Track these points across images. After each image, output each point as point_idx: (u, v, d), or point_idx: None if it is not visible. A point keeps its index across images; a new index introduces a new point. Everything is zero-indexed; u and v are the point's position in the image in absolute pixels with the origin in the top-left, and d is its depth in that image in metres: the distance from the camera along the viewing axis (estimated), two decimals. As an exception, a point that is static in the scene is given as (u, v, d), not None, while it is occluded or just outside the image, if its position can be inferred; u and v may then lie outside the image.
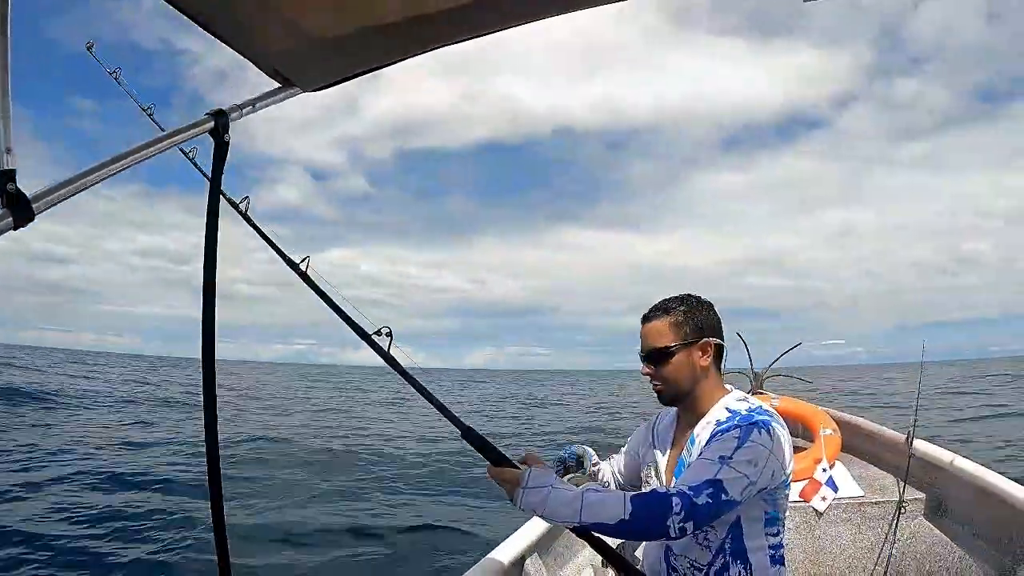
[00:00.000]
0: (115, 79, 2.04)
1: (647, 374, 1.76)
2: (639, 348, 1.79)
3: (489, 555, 2.57)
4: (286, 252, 1.81)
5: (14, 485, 7.40)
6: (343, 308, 1.72)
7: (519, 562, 2.65)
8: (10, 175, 0.90)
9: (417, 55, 1.25)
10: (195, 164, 1.79)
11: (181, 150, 1.80)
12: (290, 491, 8.20)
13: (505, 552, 2.61)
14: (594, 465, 2.02)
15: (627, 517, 1.42)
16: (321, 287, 1.74)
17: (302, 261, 1.77)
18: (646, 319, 1.79)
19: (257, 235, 1.83)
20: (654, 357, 1.73)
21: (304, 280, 1.75)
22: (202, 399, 1.40)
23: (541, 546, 2.81)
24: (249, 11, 1.14)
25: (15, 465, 8.55)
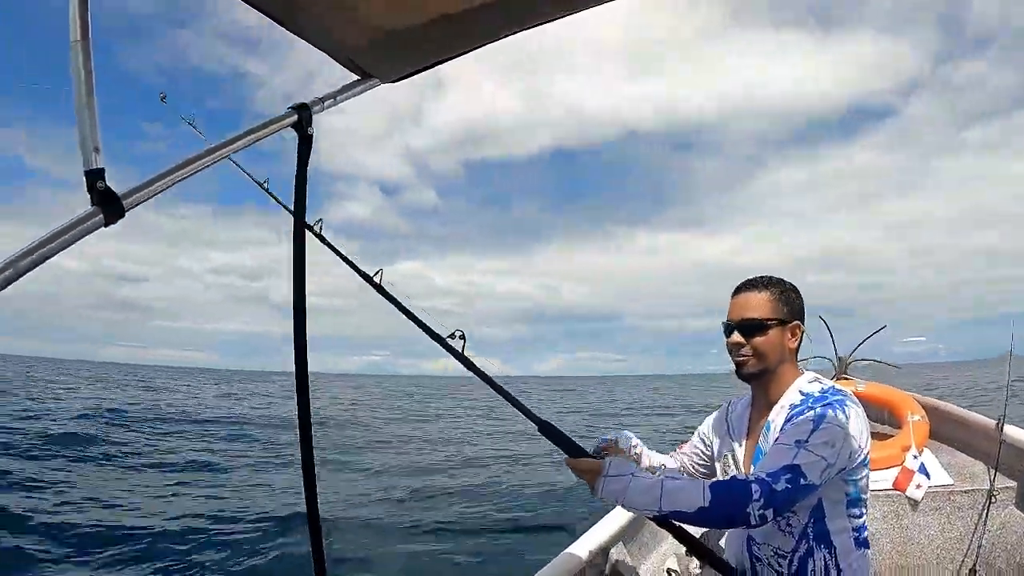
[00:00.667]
0: (191, 125, 2.18)
1: (736, 343, 1.73)
2: (726, 318, 1.77)
3: (574, 544, 2.61)
4: (359, 265, 1.88)
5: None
6: (417, 315, 1.78)
7: (604, 551, 2.68)
8: (99, 173, 0.92)
9: (488, 43, 1.27)
10: (271, 193, 1.93)
11: (264, 188, 1.96)
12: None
13: (590, 541, 2.64)
14: (634, 446, 1.97)
15: (707, 504, 1.42)
16: (395, 297, 1.81)
17: (375, 273, 1.84)
18: (742, 289, 1.77)
19: (330, 251, 1.89)
20: (749, 328, 1.71)
21: (379, 291, 1.82)
22: (297, 414, 1.45)
23: (626, 535, 2.84)
24: (324, 6, 1.17)
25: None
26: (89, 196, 0.92)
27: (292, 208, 1.41)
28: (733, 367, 1.78)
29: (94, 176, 0.92)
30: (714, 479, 1.61)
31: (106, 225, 0.93)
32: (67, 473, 9.22)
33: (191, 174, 1.07)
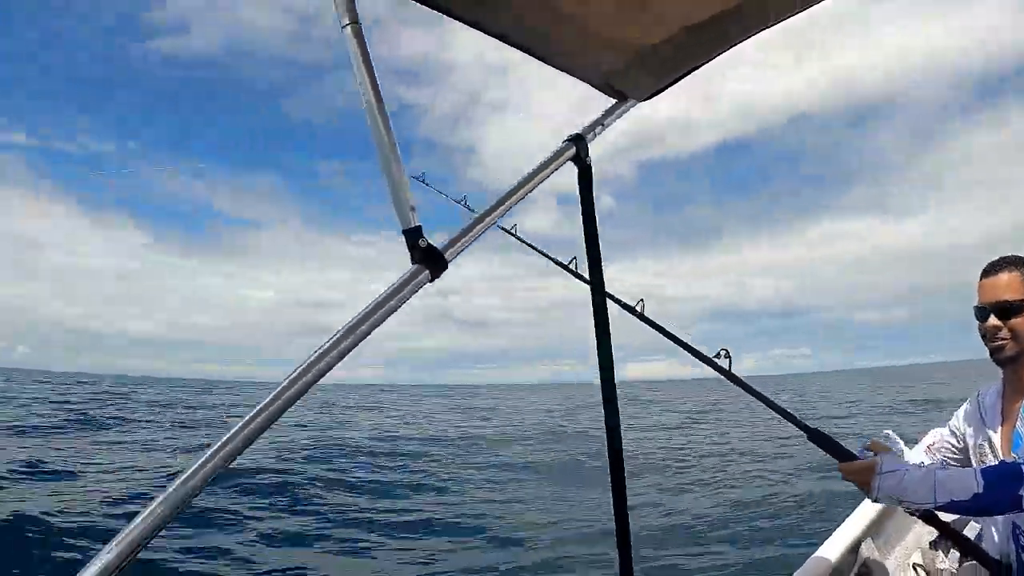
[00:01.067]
0: (422, 182, 2.49)
1: (993, 327, 1.69)
2: (977, 302, 1.73)
3: (827, 541, 2.66)
4: (621, 299, 1.96)
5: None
6: (683, 339, 1.87)
7: (855, 547, 2.69)
8: (418, 232, 0.95)
9: (729, 48, 1.28)
10: (527, 243, 2.23)
11: (534, 247, 2.18)
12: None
13: (842, 538, 2.67)
14: (897, 443, 1.90)
15: (980, 491, 1.41)
16: (662, 326, 1.92)
17: (637, 303, 1.94)
18: (992, 271, 1.73)
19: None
20: (1005, 310, 1.66)
21: (644, 321, 1.94)
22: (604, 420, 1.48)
23: (873, 529, 2.82)
24: (581, 37, 1.21)
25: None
26: (410, 254, 0.94)
27: (584, 231, 1.40)
28: (987, 354, 1.74)
29: (414, 235, 0.95)
30: (983, 466, 1.59)
31: (431, 280, 0.95)
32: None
33: (496, 220, 1.11)
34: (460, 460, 13.71)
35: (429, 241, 0.95)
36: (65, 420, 17.92)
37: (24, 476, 9.33)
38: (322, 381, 0.86)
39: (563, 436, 18.50)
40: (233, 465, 0.80)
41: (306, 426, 19.33)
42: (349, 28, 0.99)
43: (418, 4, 1.05)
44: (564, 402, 43.48)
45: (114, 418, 19.73)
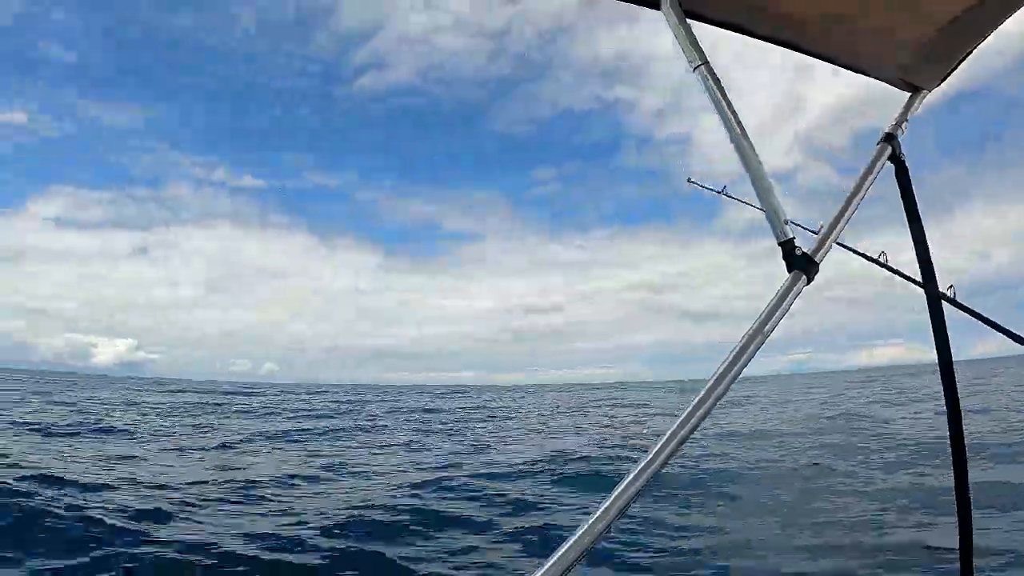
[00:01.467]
0: (724, 194, 2.56)
1: None
2: None
3: None
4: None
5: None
6: (999, 324, 1.71)
7: None
8: (792, 242, 1.04)
9: (1011, 16, 1.23)
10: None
11: None
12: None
13: None
14: None
15: None
16: (975, 311, 1.74)
17: (948, 288, 1.74)
18: None
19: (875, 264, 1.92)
20: None
21: (956, 306, 1.74)
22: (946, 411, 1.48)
23: None
24: (877, 37, 1.25)
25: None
26: (786, 263, 1.03)
27: (911, 232, 1.46)
28: None
29: (789, 245, 1.04)
30: None
31: (808, 283, 1.03)
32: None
33: (850, 217, 1.16)
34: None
35: (803, 249, 1.03)
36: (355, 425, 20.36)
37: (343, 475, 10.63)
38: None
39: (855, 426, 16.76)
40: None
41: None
42: (700, 69, 1.07)
43: (695, 20, 1.12)
44: (822, 392, 37.81)
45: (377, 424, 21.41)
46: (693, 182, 2.73)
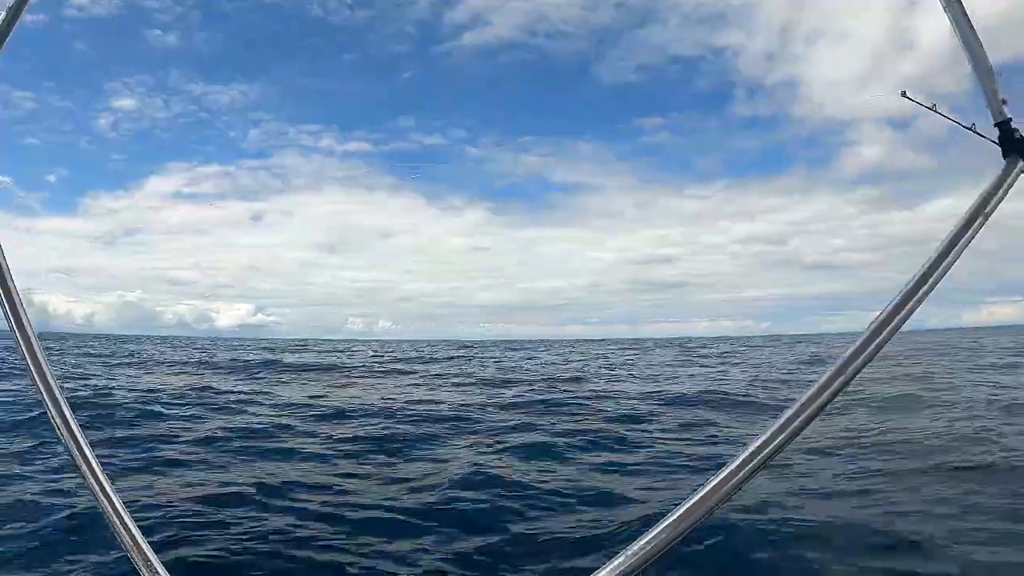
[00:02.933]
0: (935, 111, 2.34)
1: None
2: None
3: None
4: None
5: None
6: None
7: None
8: (1010, 123, 0.98)
9: None
10: None
11: None
12: None
13: None
14: None
15: None
16: None
17: None
18: None
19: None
20: None
21: None
22: None
23: None
24: None
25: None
26: (1001, 148, 0.97)
27: None
28: None
29: (1006, 126, 0.98)
30: None
31: None
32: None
33: None
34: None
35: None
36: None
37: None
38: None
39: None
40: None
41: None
42: None
43: None
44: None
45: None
46: (907, 96, 2.72)
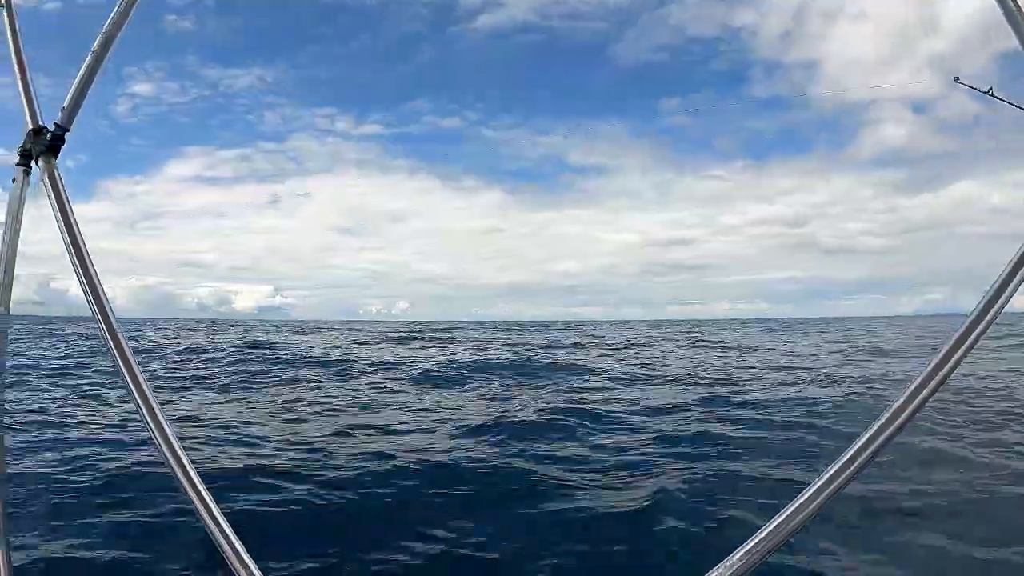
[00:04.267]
0: (991, 95, 2.32)
1: None
2: None
3: None
4: None
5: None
6: None
7: None
8: None
9: None
10: None
11: None
12: None
13: None
14: None
15: None
16: None
17: None
18: None
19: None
20: None
21: None
22: None
23: None
24: None
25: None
26: None
27: None
28: None
29: None
30: None
31: None
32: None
33: None
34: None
35: None
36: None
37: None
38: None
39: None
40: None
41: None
42: None
43: None
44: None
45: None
46: (960, 82, 2.74)
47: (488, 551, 4.46)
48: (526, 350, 22.81)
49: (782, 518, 0.72)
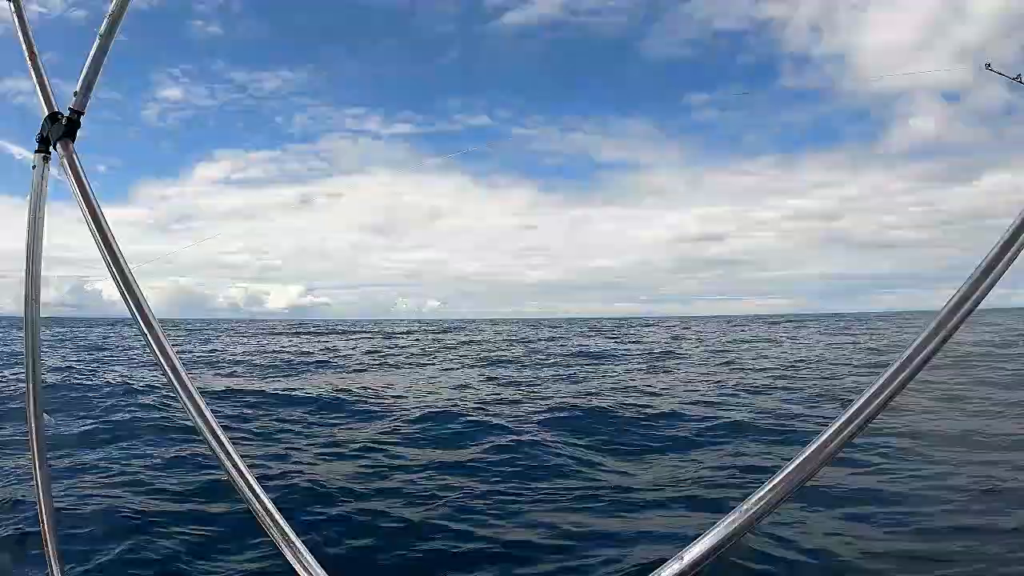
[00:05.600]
0: (1020, 81, 2.35)
1: None
2: None
3: None
4: None
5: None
6: None
7: None
8: None
9: None
10: None
11: None
12: None
13: None
14: None
15: None
16: None
17: None
18: None
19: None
20: None
21: None
22: None
23: None
24: None
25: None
26: None
27: None
28: None
29: None
30: None
31: None
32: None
33: None
34: None
35: None
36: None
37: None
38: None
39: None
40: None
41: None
42: None
43: None
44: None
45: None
46: (991, 69, 2.79)
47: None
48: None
49: (749, 503, 0.72)
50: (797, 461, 0.71)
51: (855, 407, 0.72)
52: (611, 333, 42.08)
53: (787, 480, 0.71)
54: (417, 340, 34.04)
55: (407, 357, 22.10)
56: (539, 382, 14.21)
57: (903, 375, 0.72)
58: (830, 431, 0.72)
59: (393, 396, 11.87)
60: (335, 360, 20.57)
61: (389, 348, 27.16)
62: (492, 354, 22.76)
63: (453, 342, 31.52)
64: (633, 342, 30.11)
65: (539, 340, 32.65)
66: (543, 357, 21.43)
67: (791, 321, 72.72)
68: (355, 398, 11.21)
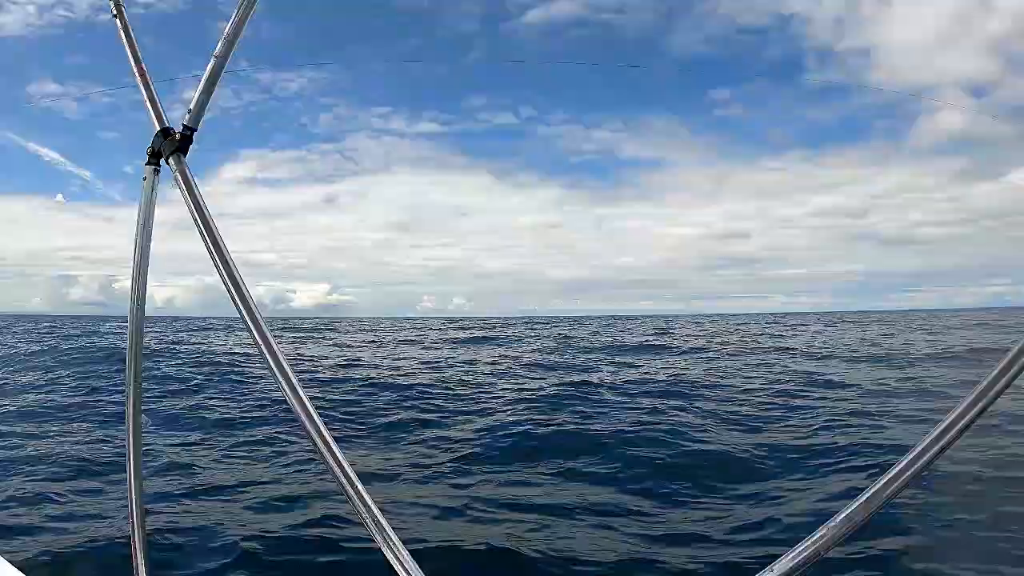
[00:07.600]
0: None
1: None
2: None
3: None
4: None
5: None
6: None
7: None
8: None
9: None
10: None
11: None
12: None
13: None
14: None
15: None
16: None
17: None
18: None
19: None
20: None
21: None
22: None
23: None
24: None
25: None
26: None
27: None
28: None
29: None
30: None
31: None
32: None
33: None
34: None
35: None
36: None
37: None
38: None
39: None
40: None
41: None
42: None
43: None
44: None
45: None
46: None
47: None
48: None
49: (846, 513, 0.72)
50: (887, 477, 0.71)
51: (949, 420, 0.71)
52: (688, 331, 39.10)
53: (876, 496, 0.71)
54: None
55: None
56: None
57: (998, 386, 0.69)
58: (925, 442, 0.70)
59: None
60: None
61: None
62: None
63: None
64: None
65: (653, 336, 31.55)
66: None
67: (848, 320, 70.15)
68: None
